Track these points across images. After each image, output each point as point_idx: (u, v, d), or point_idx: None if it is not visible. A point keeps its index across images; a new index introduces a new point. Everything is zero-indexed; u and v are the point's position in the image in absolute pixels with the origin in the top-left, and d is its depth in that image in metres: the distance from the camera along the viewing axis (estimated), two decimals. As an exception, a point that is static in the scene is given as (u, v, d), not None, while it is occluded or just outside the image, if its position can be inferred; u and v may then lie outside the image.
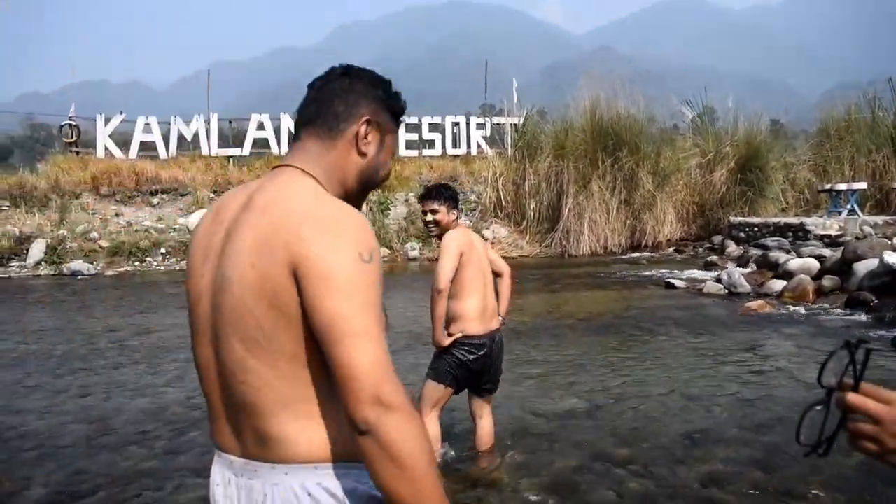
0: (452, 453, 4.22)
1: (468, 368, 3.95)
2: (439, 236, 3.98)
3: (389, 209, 17.22)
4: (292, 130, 18.96)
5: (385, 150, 1.49)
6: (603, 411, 5.13)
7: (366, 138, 1.44)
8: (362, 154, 1.45)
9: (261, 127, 21.10)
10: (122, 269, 14.49)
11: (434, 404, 3.97)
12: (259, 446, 1.30)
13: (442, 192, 4.00)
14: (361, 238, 1.26)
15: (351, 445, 1.23)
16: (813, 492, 3.71)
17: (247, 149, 20.96)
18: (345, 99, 1.43)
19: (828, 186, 16.79)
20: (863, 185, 16.48)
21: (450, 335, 3.89)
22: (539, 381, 5.98)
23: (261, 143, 21.15)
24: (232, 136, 21.93)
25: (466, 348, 3.93)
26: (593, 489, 3.84)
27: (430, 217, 3.95)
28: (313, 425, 1.29)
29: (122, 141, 20.57)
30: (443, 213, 3.93)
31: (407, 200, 17.77)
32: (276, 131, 21.10)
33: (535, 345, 7.35)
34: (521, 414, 5.10)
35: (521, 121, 18.86)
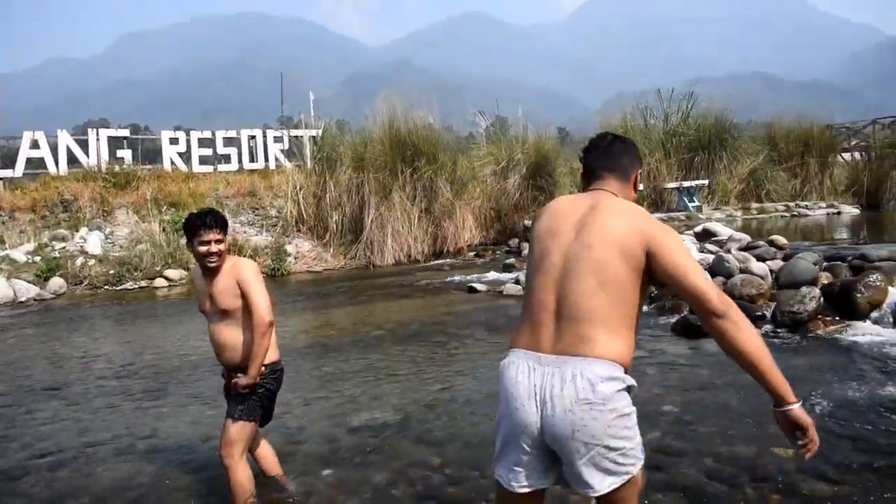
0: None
1: (272, 398, 3.78)
2: (219, 268, 3.62)
3: (186, 228, 16.35)
4: (72, 148, 17.31)
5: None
6: (416, 420, 5.14)
7: (638, 181, 2.60)
8: (636, 190, 2.59)
9: (35, 145, 19.17)
10: None
11: (247, 445, 3.74)
12: (576, 345, 2.16)
13: (222, 219, 3.65)
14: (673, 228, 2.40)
15: (626, 358, 2.21)
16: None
17: (19, 170, 18.97)
18: (628, 156, 2.55)
19: (610, 189, 18.11)
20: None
21: None
22: (350, 396, 5.89)
23: (36, 164, 19.16)
24: (2, 157, 19.78)
25: (275, 376, 3.76)
26: (412, 499, 3.84)
27: (215, 248, 3.55)
28: (613, 338, 2.18)
29: None
30: (226, 242, 3.63)
31: (204, 218, 17.03)
32: (54, 150, 19.30)
33: (344, 359, 7.24)
34: (334, 431, 5.00)
35: (320, 133, 18.66)
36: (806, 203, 19.99)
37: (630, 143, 2.59)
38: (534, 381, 2.17)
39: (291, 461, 4.45)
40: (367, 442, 4.75)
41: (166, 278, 14.41)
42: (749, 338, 2.10)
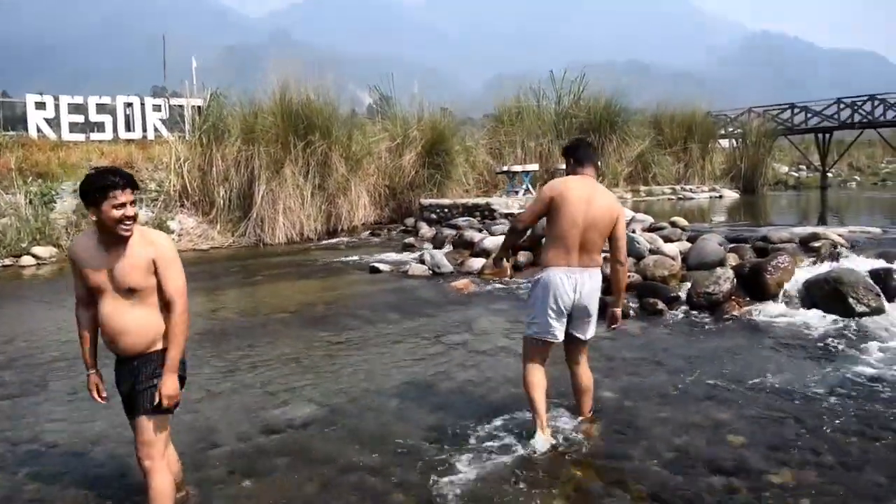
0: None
1: (182, 384, 3.27)
2: (127, 238, 3.05)
3: (55, 202, 14.96)
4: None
5: None
6: (340, 416, 4.69)
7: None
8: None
9: None
10: None
11: (167, 441, 3.22)
12: (588, 262, 4.03)
13: (132, 177, 3.08)
14: None
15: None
16: (576, 473, 3.66)
17: None
18: (596, 154, 4.55)
19: (505, 168, 18.03)
20: (535, 167, 17.96)
21: None
22: (262, 388, 5.35)
23: None
24: None
25: (184, 362, 3.25)
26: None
27: (131, 211, 3.01)
28: (599, 257, 4.12)
29: None
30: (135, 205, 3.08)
31: (75, 191, 15.63)
32: None
33: (249, 345, 6.66)
34: (250, 430, 4.48)
35: (206, 102, 17.56)
36: (690, 186, 20.69)
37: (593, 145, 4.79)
38: (572, 280, 3.99)
39: (205, 468, 3.92)
40: (290, 443, 4.27)
41: (34, 256, 13.14)
42: (625, 276, 4.32)
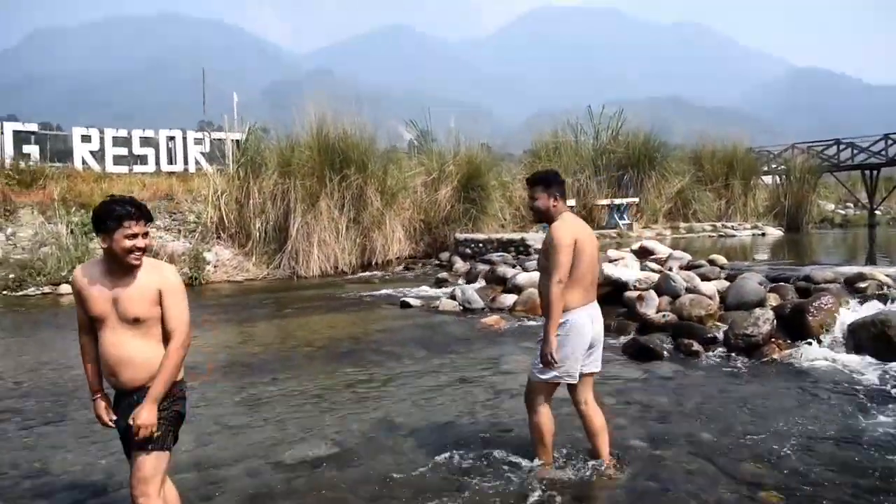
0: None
1: (182, 420, 3.16)
2: (137, 267, 3.00)
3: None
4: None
5: None
6: (354, 455, 4.54)
7: None
8: None
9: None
10: None
11: (164, 480, 3.08)
12: (594, 296, 4.12)
13: (146, 208, 3.06)
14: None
15: None
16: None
17: None
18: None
19: (541, 203, 17.83)
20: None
21: None
22: (278, 424, 5.23)
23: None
24: None
25: (184, 397, 3.16)
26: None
27: (142, 242, 2.97)
28: None
29: None
30: (149, 236, 3.06)
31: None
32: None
33: (271, 380, 6.56)
34: (261, 466, 4.34)
35: (244, 136, 17.80)
36: (732, 224, 20.28)
37: None
38: (590, 316, 4.03)
39: (211, 506, 3.80)
40: (301, 482, 4.12)
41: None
42: None
